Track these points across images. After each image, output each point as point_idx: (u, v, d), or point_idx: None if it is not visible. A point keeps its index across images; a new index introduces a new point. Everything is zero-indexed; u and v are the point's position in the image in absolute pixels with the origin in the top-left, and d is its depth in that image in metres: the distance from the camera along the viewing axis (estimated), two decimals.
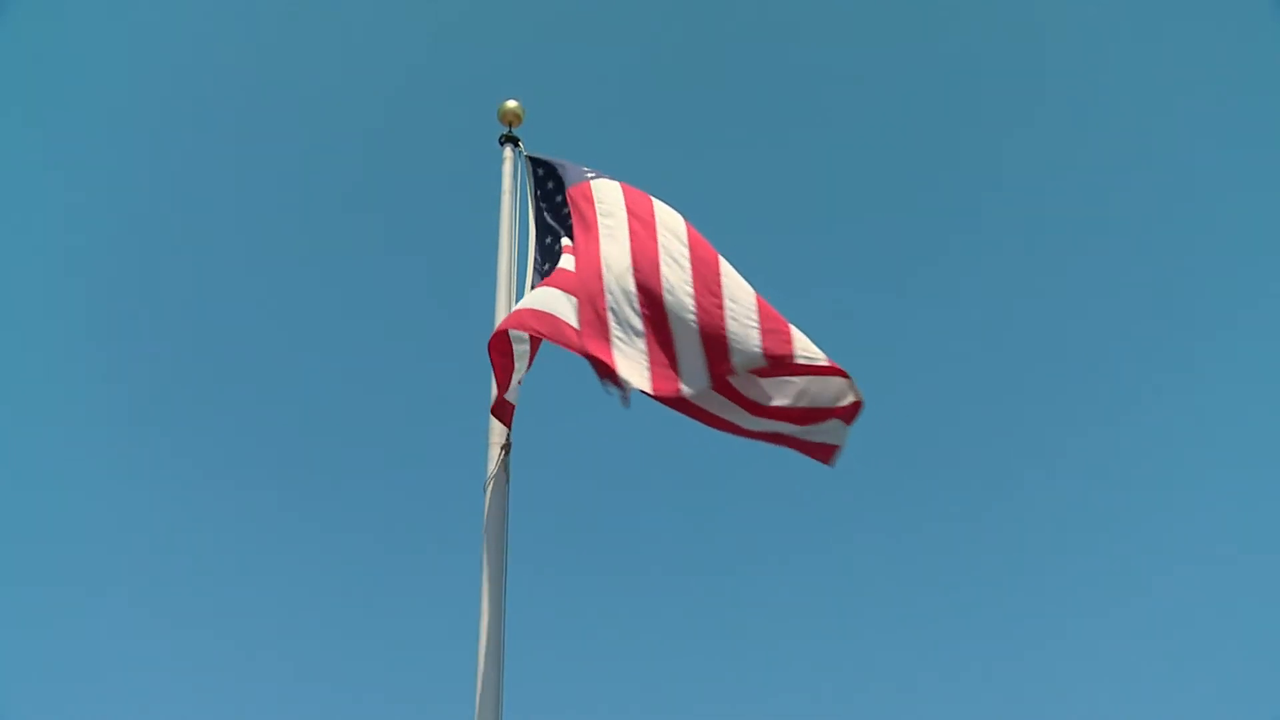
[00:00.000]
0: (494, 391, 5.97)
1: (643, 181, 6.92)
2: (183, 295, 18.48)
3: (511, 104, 7.63)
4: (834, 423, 6.01)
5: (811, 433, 6.08)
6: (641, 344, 5.83)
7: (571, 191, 6.83)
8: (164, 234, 18.47)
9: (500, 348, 5.91)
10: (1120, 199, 19.37)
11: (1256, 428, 16.74)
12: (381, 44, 20.15)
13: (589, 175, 6.87)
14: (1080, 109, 19.63)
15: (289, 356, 19.14)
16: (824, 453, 6.13)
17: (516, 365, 5.97)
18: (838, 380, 5.90)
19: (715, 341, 5.81)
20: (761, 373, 5.90)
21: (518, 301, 6.54)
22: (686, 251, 6.16)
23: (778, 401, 5.99)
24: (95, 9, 17.65)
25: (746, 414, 6.05)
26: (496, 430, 6.08)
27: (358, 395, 19.09)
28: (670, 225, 6.35)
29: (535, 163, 7.51)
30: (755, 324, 5.85)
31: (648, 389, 5.68)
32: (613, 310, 5.91)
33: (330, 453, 18.57)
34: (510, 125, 7.56)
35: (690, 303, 5.92)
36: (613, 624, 17.16)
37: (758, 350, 5.78)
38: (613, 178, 6.82)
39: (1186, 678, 15.37)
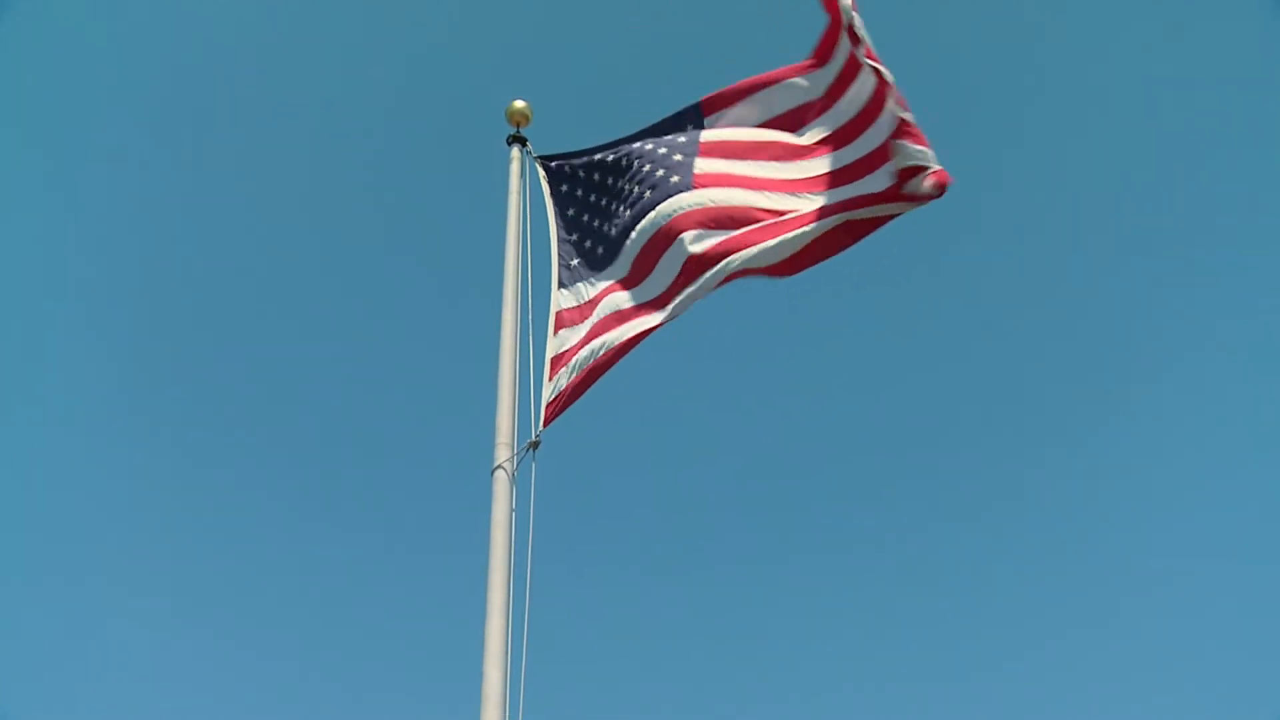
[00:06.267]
0: (547, 393, 6.26)
1: None
2: (188, 295, 18.50)
3: (519, 104, 7.63)
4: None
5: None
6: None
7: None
8: (168, 234, 18.48)
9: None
10: (1120, 199, 19.41)
11: (1260, 428, 16.77)
12: (388, 44, 20.17)
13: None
14: (1079, 108, 19.67)
15: (296, 355, 19.16)
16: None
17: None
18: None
19: None
20: None
21: (522, 299, 6.67)
22: None
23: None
24: (95, 10, 17.65)
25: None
26: (503, 430, 6.10)
27: (365, 393, 19.11)
28: None
29: (547, 160, 7.57)
30: None
31: None
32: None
33: (337, 451, 18.60)
34: (518, 125, 7.57)
35: None
36: (617, 623, 17.19)
37: None
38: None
39: (1187, 678, 15.41)
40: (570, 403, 6.28)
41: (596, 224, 7.19)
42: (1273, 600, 15.00)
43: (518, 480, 5.95)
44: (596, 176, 7.36)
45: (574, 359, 6.41)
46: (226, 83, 18.88)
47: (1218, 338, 18.09)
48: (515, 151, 7.46)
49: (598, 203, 7.28)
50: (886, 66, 6.23)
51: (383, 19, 19.85)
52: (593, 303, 6.76)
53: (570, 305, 6.79)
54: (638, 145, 7.28)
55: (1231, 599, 15.75)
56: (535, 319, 6.71)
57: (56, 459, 16.62)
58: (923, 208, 6.09)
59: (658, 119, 7.36)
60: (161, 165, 18.52)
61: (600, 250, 7.05)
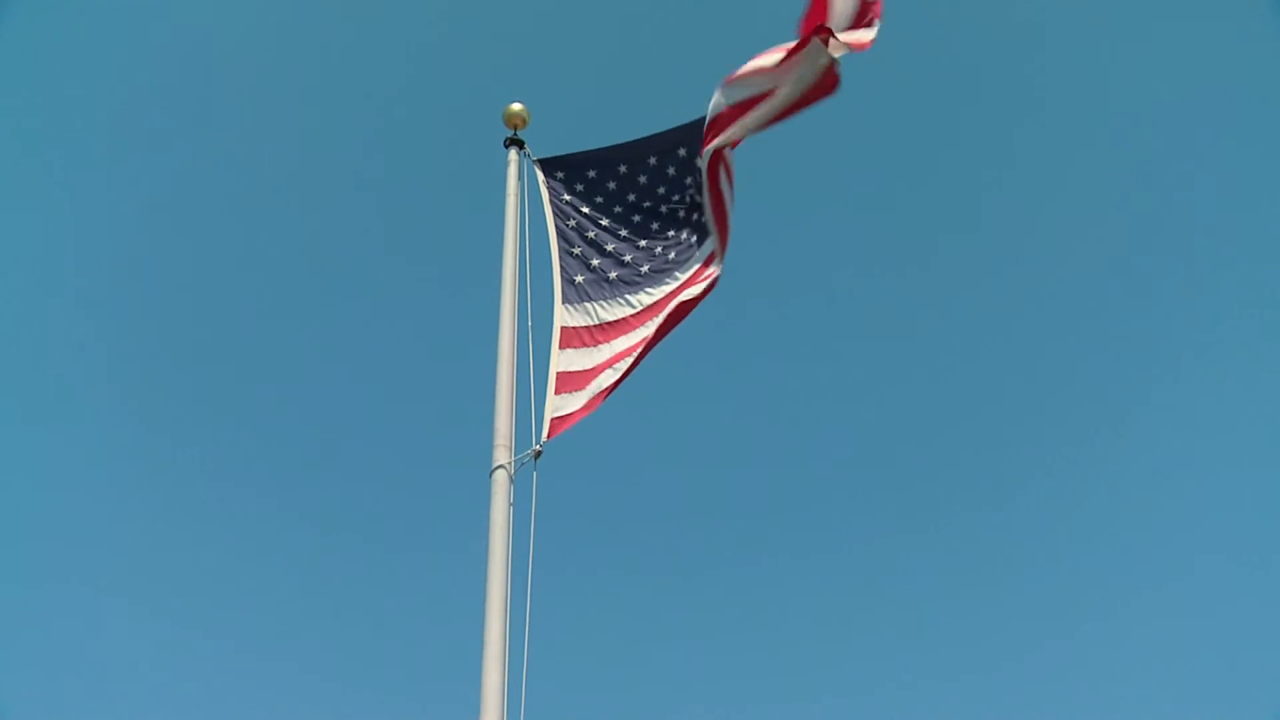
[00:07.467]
0: (552, 407, 6.32)
1: None
2: (186, 297, 18.48)
3: (516, 107, 7.64)
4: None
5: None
6: None
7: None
8: (167, 236, 18.47)
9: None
10: (1119, 200, 19.41)
11: (1265, 427, 16.76)
12: (385, 46, 20.17)
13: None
14: (1079, 109, 19.67)
15: (294, 357, 19.15)
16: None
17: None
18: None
19: None
20: None
21: (520, 305, 6.71)
22: None
23: None
24: (95, 9, 17.66)
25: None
26: (501, 432, 6.12)
27: (365, 396, 19.11)
28: None
29: (550, 166, 7.59)
30: None
31: None
32: None
33: (337, 453, 18.59)
34: (515, 128, 7.58)
35: None
36: (617, 624, 17.20)
37: None
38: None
39: (1188, 678, 15.42)
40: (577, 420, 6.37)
41: (607, 246, 7.25)
42: (1274, 600, 15.03)
43: (517, 482, 5.97)
44: (600, 199, 7.45)
45: (587, 385, 6.47)
46: (225, 85, 18.90)
47: (1226, 338, 18.08)
48: (513, 154, 7.47)
49: (604, 223, 7.35)
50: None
51: (379, 20, 19.88)
52: (605, 329, 6.83)
53: (580, 324, 6.84)
54: (651, 161, 7.38)
55: (1232, 599, 15.78)
56: (535, 322, 6.75)
57: (56, 459, 16.65)
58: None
59: (654, 120, 7.45)
60: (159, 168, 18.52)
61: (614, 275, 7.12)
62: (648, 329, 6.65)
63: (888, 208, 20.69)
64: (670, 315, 6.65)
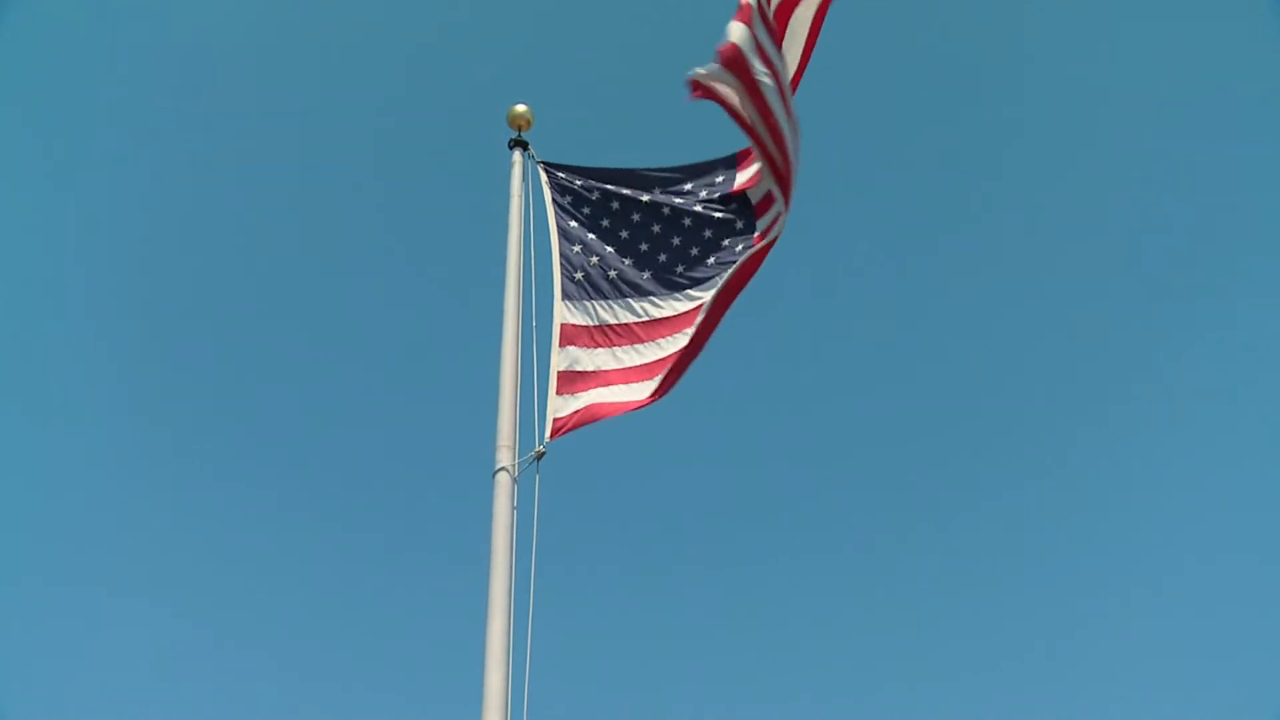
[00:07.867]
0: (554, 407, 6.33)
1: None
2: (190, 297, 18.49)
3: (520, 108, 7.66)
4: None
5: None
6: None
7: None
8: (171, 236, 18.48)
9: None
10: (1118, 199, 19.42)
11: (1267, 426, 16.76)
12: (390, 48, 20.17)
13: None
14: (1079, 108, 19.68)
15: (297, 357, 19.15)
16: None
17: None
18: None
19: None
20: None
21: (524, 304, 6.71)
22: None
23: None
24: (95, 9, 17.67)
25: None
26: (504, 433, 6.13)
27: (369, 397, 19.11)
28: None
29: (553, 169, 7.61)
30: None
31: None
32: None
33: (341, 454, 18.59)
34: (519, 130, 7.60)
35: None
36: (620, 626, 17.21)
37: None
38: None
39: (1188, 677, 15.44)
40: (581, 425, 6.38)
41: (608, 246, 7.26)
42: (1274, 600, 15.04)
43: (520, 483, 5.99)
44: (600, 199, 7.47)
45: (589, 392, 6.48)
46: (229, 86, 18.90)
47: (1227, 337, 18.07)
48: (517, 155, 7.49)
49: (605, 223, 7.36)
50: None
51: (383, 21, 19.88)
52: (605, 331, 6.84)
53: (579, 323, 6.84)
54: (656, 192, 7.40)
55: (1232, 599, 15.79)
56: (539, 323, 6.77)
57: (58, 459, 16.65)
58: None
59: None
60: (162, 169, 18.54)
61: (613, 274, 7.13)
62: (661, 348, 6.64)
63: (885, 207, 20.71)
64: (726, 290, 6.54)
